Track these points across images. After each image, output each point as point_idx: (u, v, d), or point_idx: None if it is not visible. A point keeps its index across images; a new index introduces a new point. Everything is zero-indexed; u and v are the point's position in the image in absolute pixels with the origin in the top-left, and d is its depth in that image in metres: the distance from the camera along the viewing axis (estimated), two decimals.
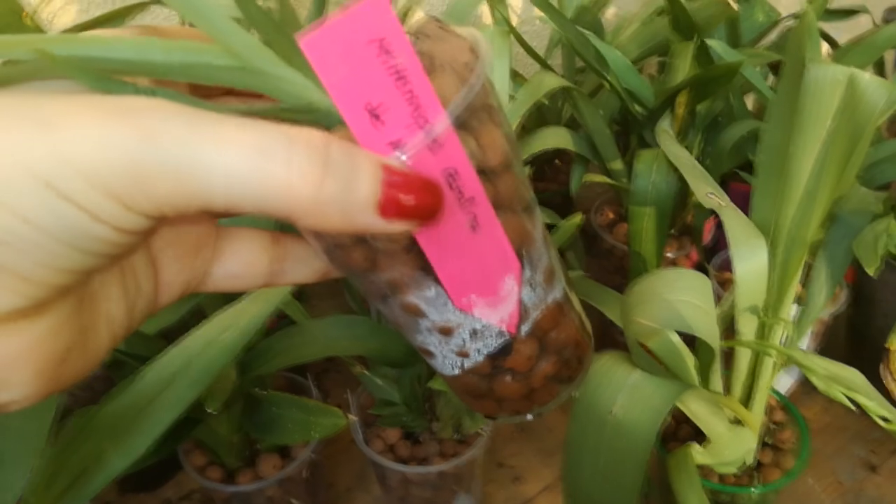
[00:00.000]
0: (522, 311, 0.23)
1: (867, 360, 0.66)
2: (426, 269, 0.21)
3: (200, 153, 0.16)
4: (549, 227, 0.59)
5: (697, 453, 0.51)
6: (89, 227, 0.16)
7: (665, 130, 0.58)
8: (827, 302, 0.49)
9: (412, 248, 0.20)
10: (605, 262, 0.72)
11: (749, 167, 0.65)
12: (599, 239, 0.71)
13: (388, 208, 0.18)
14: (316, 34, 0.17)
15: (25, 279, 0.16)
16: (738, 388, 0.49)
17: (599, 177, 0.62)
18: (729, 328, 0.48)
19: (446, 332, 0.23)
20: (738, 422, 0.51)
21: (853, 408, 0.38)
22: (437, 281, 0.21)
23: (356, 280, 0.23)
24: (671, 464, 0.48)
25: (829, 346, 0.70)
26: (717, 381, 0.45)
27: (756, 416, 0.50)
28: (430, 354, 0.24)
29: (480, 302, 0.22)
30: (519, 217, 0.22)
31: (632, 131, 0.66)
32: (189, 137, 0.16)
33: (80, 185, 0.15)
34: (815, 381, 0.38)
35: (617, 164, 0.64)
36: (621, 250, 0.68)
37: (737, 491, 0.51)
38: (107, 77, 0.18)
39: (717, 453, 0.51)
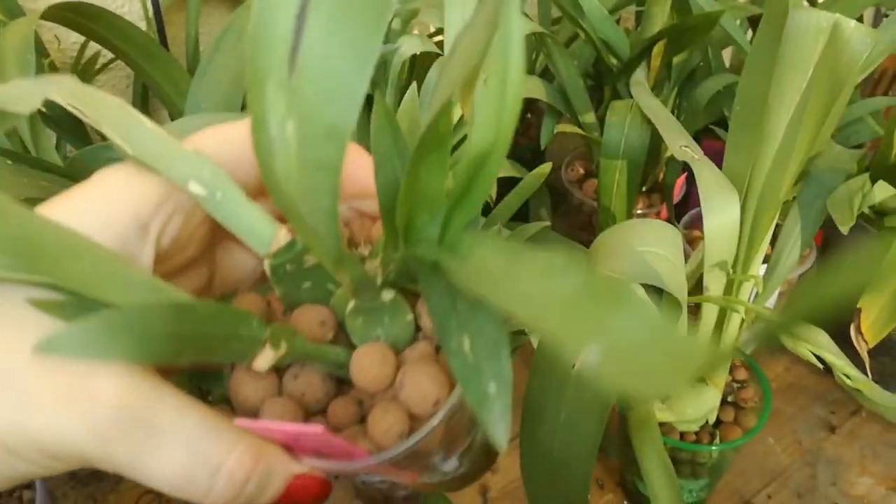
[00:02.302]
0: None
1: (831, 321, 0.66)
2: None
3: (137, 467, 0.18)
4: (517, 181, 0.57)
5: (659, 410, 0.50)
6: (34, 471, 0.19)
7: (639, 82, 0.57)
8: (798, 261, 0.48)
9: None
10: (574, 218, 0.70)
11: (723, 124, 0.64)
12: (569, 195, 0.70)
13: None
14: (254, 426, 0.19)
15: None
16: None
17: (570, 127, 0.60)
18: (696, 286, 0.47)
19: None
20: (701, 380, 0.50)
21: (820, 365, 0.37)
22: None
23: None
24: (632, 420, 0.48)
25: None
26: None
27: (720, 374, 0.49)
28: None
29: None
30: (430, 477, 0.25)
31: (605, 83, 0.64)
32: (132, 452, 0.18)
33: (34, 453, 0.18)
34: (784, 340, 0.37)
35: (589, 117, 0.62)
36: (590, 206, 0.67)
37: (697, 449, 0.51)
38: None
39: (679, 411, 0.50)
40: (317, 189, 0.17)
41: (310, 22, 0.16)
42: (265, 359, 0.19)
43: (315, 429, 0.19)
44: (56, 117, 0.55)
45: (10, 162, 0.43)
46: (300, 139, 0.16)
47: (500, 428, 0.18)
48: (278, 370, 0.22)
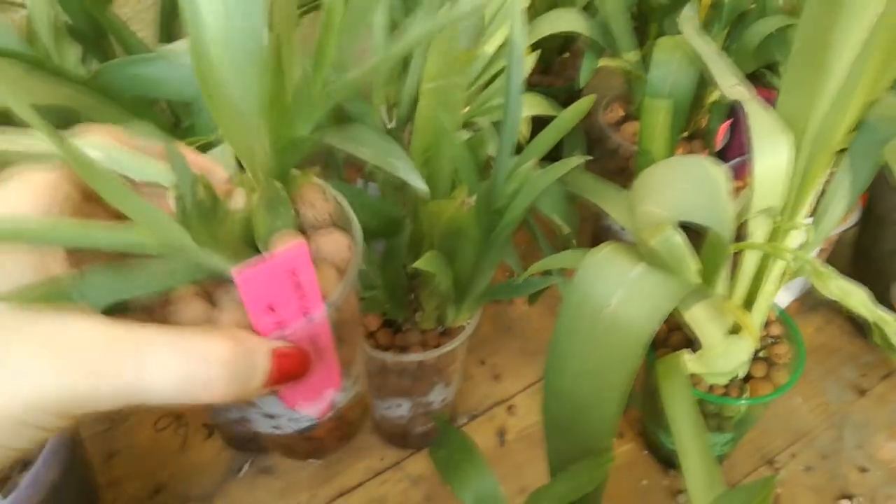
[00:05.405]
0: (333, 406, 0.30)
1: (870, 282, 0.64)
2: None
3: (136, 386, 0.20)
4: (552, 119, 0.55)
5: (689, 361, 0.49)
6: (41, 434, 0.20)
7: (689, 18, 0.53)
8: (846, 215, 0.46)
9: None
10: (609, 162, 0.68)
11: (774, 69, 0.61)
12: (604, 139, 0.67)
13: (270, 383, 0.23)
14: (249, 272, 0.22)
15: None
16: (739, 295, 0.47)
17: (615, 61, 0.57)
18: (735, 236, 0.45)
19: (270, 416, 0.29)
20: (734, 332, 0.48)
21: (869, 317, 0.35)
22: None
23: None
24: (661, 369, 0.46)
25: (833, 265, 0.68)
26: (722, 285, 0.42)
27: (756, 325, 0.48)
28: (248, 421, 0.31)
29: (305, 405, 0.29)
30: (351, 348, 0.29)
31: (651, 21, 0.61)
32: (126, 374, 0.20)
33: (42, 416, 0.20)
34: (832, 288, 0.35)
35: (633, 55, 0.59)
36: (627, 150, 0.65)
37: (726, 402, 0.49)
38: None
39: (709, 362, 0.49)
40: (243, 35, 0.21)
41: None
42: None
43: (299, 244, 0.23)
44: (79, 30, 0.53)
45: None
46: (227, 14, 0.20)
47: (411, 176, 0.26)
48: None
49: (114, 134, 0.25)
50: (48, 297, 0.21)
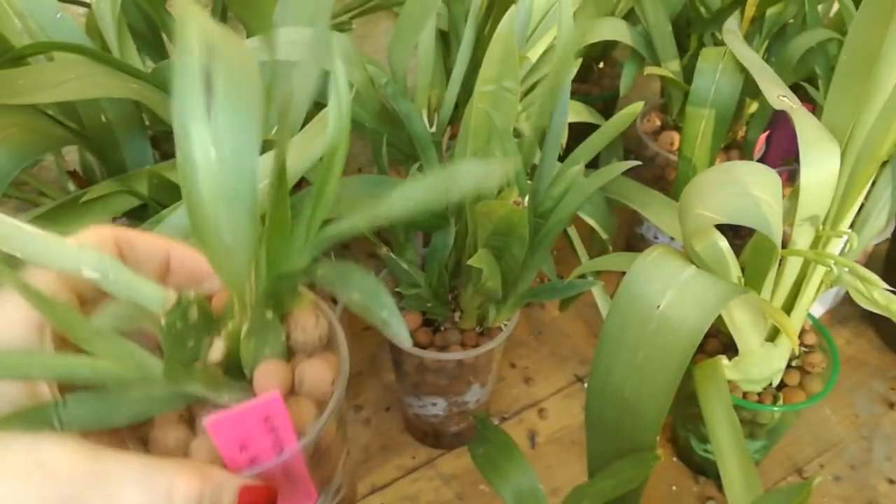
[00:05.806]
0: None
1: None
2: None
3: None
4: (593, 127, 0.55)
5: (725, 367, 0.50)
6: None
7: (731, 30, 0.54)
8: (886, 225, 0.46)
9: None
10: (645, 171, 0.68)
11: (814, 83, 0.62)
12: (641, 147, 0.68)
13: None
14: (220, 420, 0.23)
15: None
16: (778, 301, 0.47)
17: (660, 70, 0.58)
18: None
19: None
20: (770, 341, 0.49)
21: None
22: None
23: None
24: (699, 375, 0.47)
25: None
26: (767, 290, 0.43)
27: (795, 331, 0.48)
28: None
29: None
30: (331, 466, 0.29)
31: (692, 32, 0.62)
32: (88, 502, 0.20)
33: None
34: (876, 296, 0.36)
35: (674, 65, 0.60)
36: (664, 159, 0.65)
37: (760, 408, 0.50)
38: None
39: (746, 369, 0.49)
40: (237, 194, 0.22)
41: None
42: None
43: (272, 395, 0.24)
44: (135, 28, 0.55)
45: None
46: (221, 157, 0.21)
47: (399, 329, 0.23)
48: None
49: (119, 235, 0.25)
50: (29, 424, 0.22)
